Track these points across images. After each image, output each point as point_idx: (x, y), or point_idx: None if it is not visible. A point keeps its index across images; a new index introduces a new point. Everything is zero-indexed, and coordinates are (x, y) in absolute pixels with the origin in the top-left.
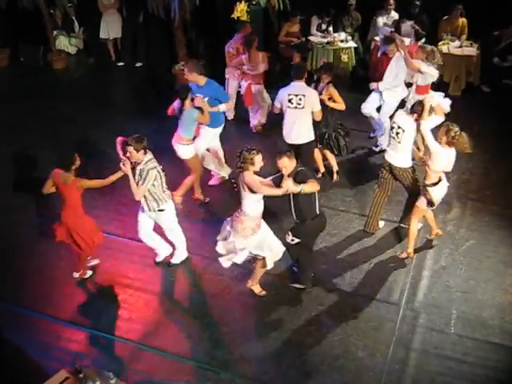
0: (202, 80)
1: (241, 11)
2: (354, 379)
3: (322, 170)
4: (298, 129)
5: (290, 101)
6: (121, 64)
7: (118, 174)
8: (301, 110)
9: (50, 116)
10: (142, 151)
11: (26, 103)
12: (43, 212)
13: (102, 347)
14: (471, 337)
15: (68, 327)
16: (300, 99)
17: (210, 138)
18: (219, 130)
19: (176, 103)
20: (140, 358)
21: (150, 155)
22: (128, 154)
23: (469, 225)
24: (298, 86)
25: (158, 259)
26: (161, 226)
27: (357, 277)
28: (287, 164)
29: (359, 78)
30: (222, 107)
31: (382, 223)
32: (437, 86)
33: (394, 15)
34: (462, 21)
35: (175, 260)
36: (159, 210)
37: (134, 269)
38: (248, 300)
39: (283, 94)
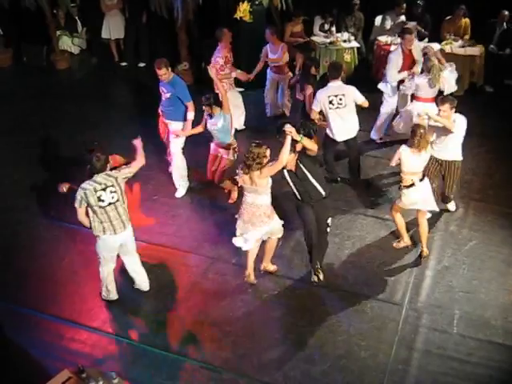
0: (170, 75)
1: (243, 11)
2: (357, 379)
3: None
4: (348, 125)
5: (330, 102)
6: (124, 64)
7: None
8: (344, 109)
9: (53, 116)
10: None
11: (29, 103)
12: (44, 212)
13: (105, 347)
14: (474, 337)
15: (70, 327)
16: (340, 99)
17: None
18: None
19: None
20: (142, 358)
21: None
22: None
23: (471, 225)
24: (335, 87)
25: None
26: None
27: (359, 277)
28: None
29: (362, 78)
30: (190, 115)
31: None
32: None
33: (402, 18)
34: (465, 21)
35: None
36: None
37: None
38: (250, 300)
39: (322, 96)
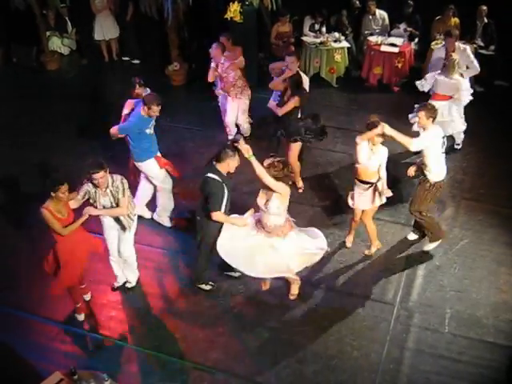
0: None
1: (234, 11)
2: (349, 379)
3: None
4: None
5: None
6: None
7: (83, 218)
8: None
9: (43, 117)
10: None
11: (19, 104)
12: (34, 212)
13: (97, 348)
14: (466, 336)
15: (62, 328)
16: None
17: None
18: None
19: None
20: (134, 359)
21: (112, 178)
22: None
23: (463, 224)
24: None
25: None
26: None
27: (351, 277)
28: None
29: (352, 78)
30: None
31: None
32: None
33: (382, 14)
34: (455, 21)
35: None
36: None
37: None
38: (242, 300)
39: None
